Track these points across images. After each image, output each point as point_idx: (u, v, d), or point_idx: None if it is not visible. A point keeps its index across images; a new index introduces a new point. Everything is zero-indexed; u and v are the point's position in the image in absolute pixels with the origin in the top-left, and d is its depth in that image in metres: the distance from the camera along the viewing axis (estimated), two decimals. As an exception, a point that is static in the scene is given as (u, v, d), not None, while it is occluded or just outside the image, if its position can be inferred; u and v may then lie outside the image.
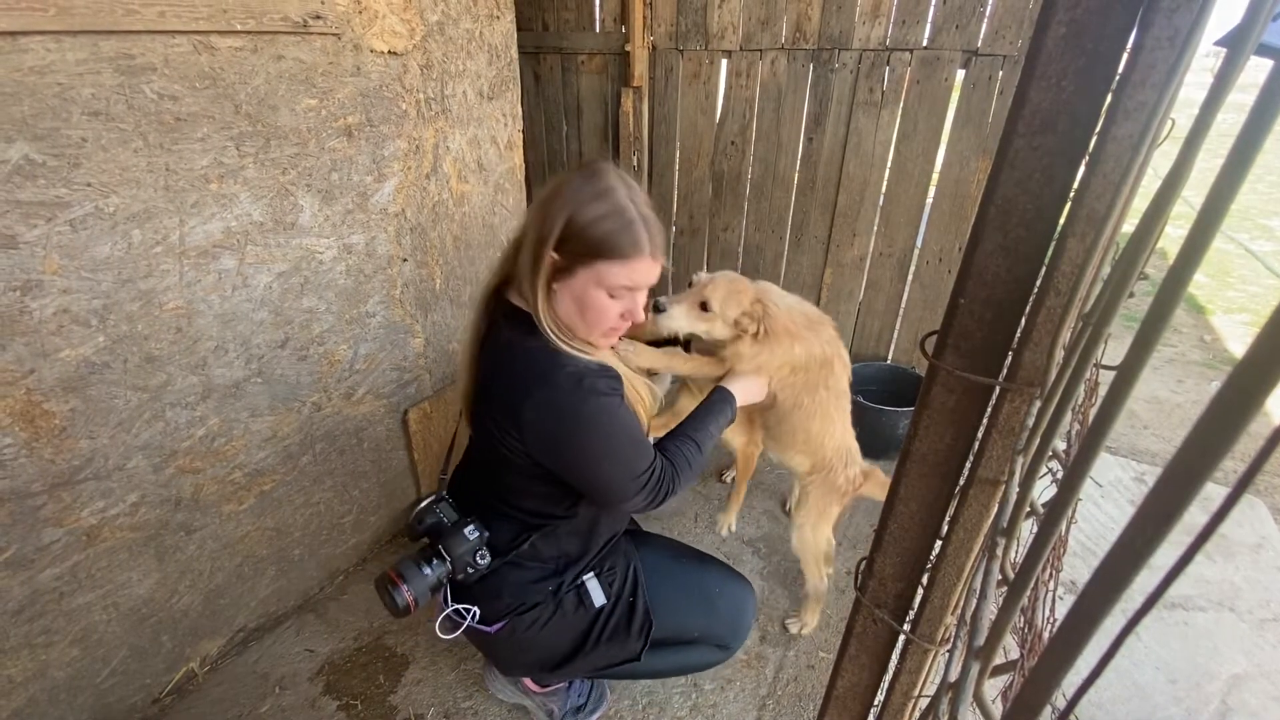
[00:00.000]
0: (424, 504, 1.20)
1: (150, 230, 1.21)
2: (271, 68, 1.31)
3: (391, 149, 1.62)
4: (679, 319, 1.45)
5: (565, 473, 1.09)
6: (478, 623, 1.20)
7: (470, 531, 1.15)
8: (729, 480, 2.34)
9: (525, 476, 1.13)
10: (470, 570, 1.15)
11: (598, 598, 1.27)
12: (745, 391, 1.43)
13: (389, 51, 1.54)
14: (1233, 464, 2.30)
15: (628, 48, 2.59)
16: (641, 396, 1.20)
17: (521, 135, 2.08)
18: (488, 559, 1.16)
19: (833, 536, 1.70)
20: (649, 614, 1.30)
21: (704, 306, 1.44)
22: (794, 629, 1.74)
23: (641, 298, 1.10)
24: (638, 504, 1.13)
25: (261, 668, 1.61)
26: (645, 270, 1.04)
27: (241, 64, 1.26)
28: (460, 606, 1.20)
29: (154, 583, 1.40)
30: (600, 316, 1.06)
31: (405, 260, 1.75)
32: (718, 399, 1.36)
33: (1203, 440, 0.19)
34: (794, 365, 1.51)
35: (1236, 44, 0.34)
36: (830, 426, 1.58)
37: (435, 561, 1.13)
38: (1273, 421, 2.46)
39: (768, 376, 1.51)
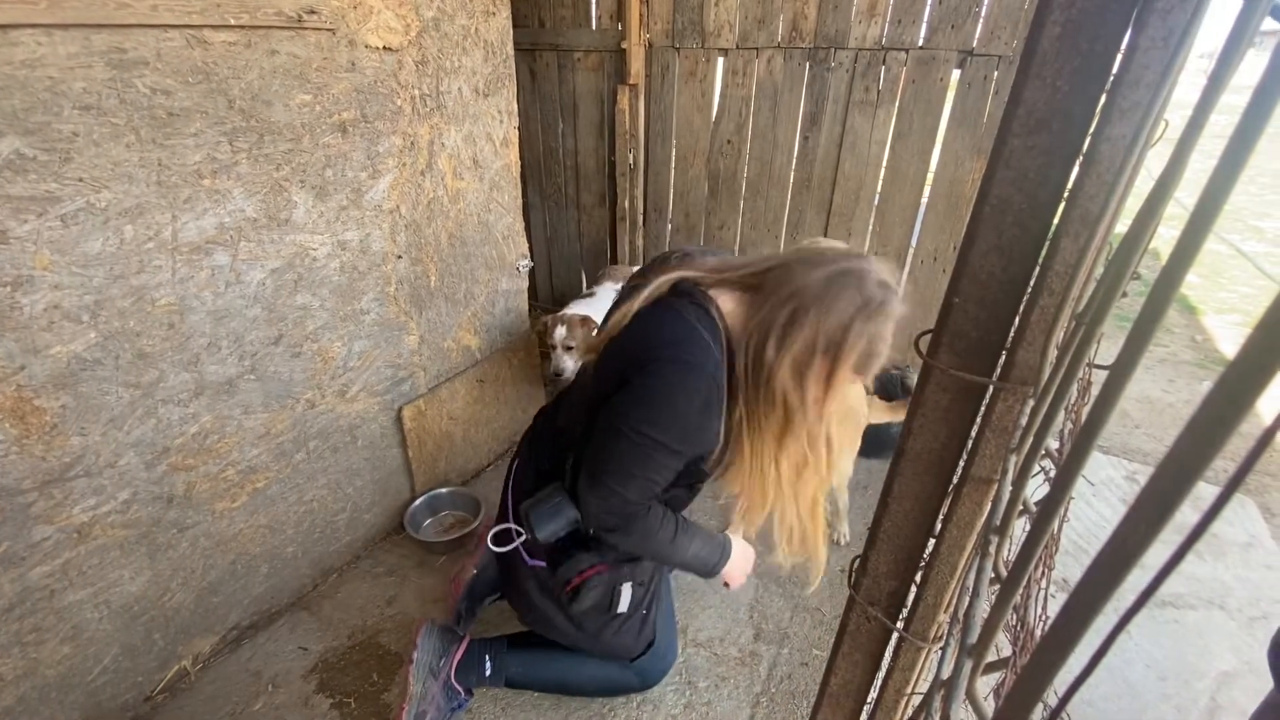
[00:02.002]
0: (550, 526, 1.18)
1: (142, 226, 1.20)
2: (265, 63, 1.30)
3: (386, 145, 1.61)
4: None
5: (607, 412, 1.07)
6: (524, 547, 1.31)
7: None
8: None
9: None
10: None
11: (623, 605, 1.33)
12: (738, 560, 1.36)
13: (384, 47, 1.53)
14: (1223, 463, 2.32)
15: (624, 45, 2.58)
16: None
17: (517, 132, 2.07)
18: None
19: None
20: (655, 629, 1.45)
21: None
22: (837, 537, 2.02)
23: None
24: (593, 501, 1.11)
25: (254, 666, 1.60)
26: (852, 388, 1.15)
27: (235, 59, 1.25)
28: (514, 527, 1.30)
29: (146, 580, 1.39)
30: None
31: (400, 257, 1.75)
32: (722, 540, 1.32)
33: (1194, 440, 0.19)
34: None
35: (1230, 45, 0.34)
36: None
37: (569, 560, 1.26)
38: (1263, 422, 2.48)
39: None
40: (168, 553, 1.42)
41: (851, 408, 1.70)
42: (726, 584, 1.39)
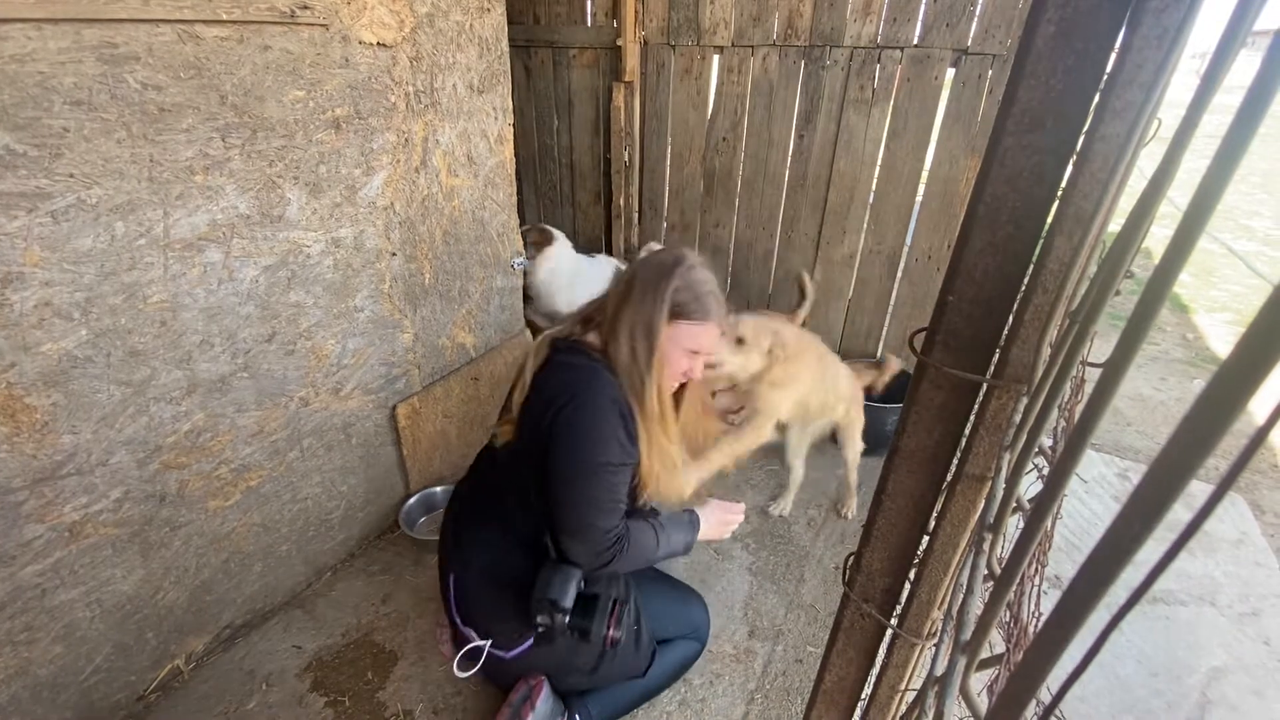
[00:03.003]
0: (582, 595, 1.24)
1: (134, 222, 1.19)
2: (258, 58, 1.30)
3: (380, 142, 1.60)
4: (729, 359, 1.59)
5: (550, 474, 1.18)
6: (494, 648, 1.31)
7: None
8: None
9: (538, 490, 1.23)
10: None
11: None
12: (710, 524, 1.44)
13: (378, 43, 1.52)
14: (1214, 461, 2.34)
15: (619, 42, 2.58)
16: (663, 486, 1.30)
17: (512, 129, 2.07)
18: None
19: None
20: (652, 639, 1.47)
21: (739, 341, 1.59)
22: (844, 513, 2.17)
23: (701, 361, 1.28)
24: (585, 548, 1.20)
25: (248, 664, 1.60)
26: (710, 336, 1.24)
27: (227, 54, 1.24)
28: (476, 644, 1.30)
29: (138, 579, 1.39)
30: (669, 370, 1.24)
31: (394, 254, 1.74)
32: (689, 517, 1.41)
33: (1188, 439, 0.20)
34: (819, 357, 1.81)
35: (1223, 44, 0.34)
36: (840, 369, 1.91)
37: (595, 612, 1.26)
38: (1255, 420, 2.50)
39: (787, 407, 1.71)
40: (160, 551, 1.41)
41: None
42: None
